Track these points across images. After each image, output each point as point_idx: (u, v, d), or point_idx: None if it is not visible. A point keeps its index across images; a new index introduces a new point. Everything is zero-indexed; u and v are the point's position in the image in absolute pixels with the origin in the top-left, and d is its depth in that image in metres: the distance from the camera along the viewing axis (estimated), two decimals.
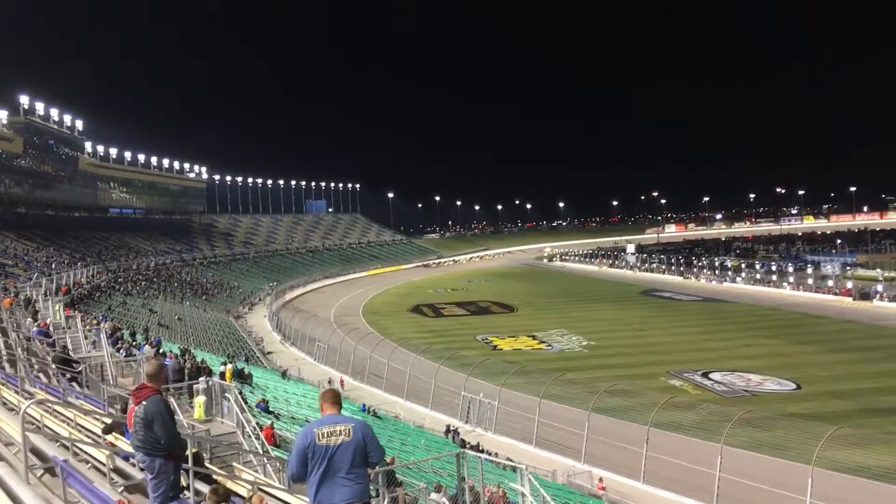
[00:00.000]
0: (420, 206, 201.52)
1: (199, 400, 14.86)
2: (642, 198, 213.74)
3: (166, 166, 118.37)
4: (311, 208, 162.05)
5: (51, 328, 21.49)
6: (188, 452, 6.51)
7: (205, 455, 9.30)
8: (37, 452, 6.49)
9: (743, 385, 36.87)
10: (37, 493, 5.43)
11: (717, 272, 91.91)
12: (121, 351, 21.85)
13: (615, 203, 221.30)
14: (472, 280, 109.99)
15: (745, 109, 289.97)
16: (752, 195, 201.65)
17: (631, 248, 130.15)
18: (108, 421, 8.57)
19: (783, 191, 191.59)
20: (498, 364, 40.18)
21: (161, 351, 24.19)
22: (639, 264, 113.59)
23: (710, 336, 51.72)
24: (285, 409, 23.81)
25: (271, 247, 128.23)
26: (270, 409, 21.39)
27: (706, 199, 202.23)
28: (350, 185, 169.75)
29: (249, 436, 14.10)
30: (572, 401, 28.95)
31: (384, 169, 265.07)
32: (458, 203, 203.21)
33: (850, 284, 70.53)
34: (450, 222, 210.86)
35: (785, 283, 78.28)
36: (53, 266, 53.37)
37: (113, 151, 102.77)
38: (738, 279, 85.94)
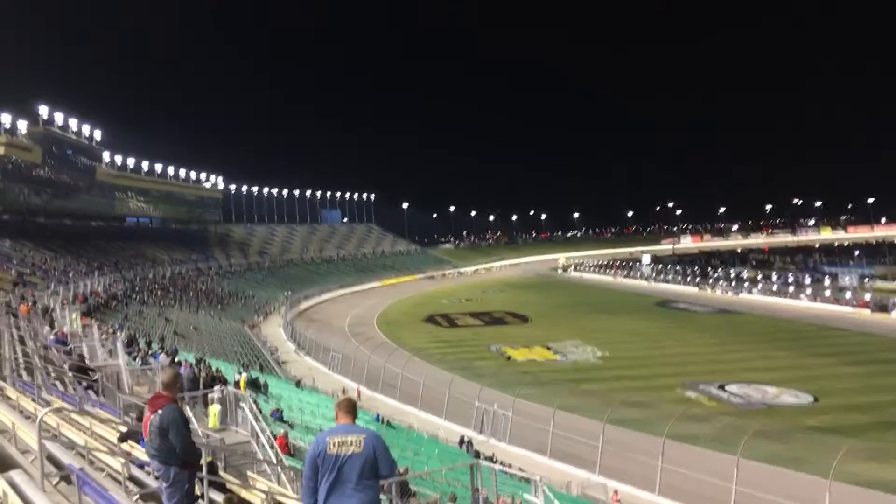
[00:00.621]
0: (435, 216, 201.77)
1: (214, 409, 14.90)
2: (658, 209, 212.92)
3: (183, 176, 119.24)
4: (326, 218, 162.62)
5: (68, 336, 21.63)
6: (203, 461, 6.53)
7: (219, 464, 9.32)
8: (53, 460, 6.54)
9: (759, 397, 36.57)
10: (52, 501, 5.46)
11: (733, 283, 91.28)
12: (136, 359, 21.96)
13: (630, 214, 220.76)
14: (487, 290, 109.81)
15: (761, 120, 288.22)
16: (769, 206, 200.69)
17: (646, 259, 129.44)
18: (124, 429, 8.61)
19: (800, 202, 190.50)
20: (512, 374, 40.11)
21: (176, 360, 24.30)
22: (654, 275, 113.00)
23: (726, 348, 51.34)
24: (299, 418, 23.87)
25: (286, 256, 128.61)
26: (285, 418, 21.45)
27: (722, 209, 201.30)
28: (365, 196, 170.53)
29: (263, 445, 14.13)
30: (587, 412, 28.82)
31: (399, 179, 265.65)
32: (473, 213, 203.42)
33: (868, 296, 69.88)
34: (465, 233, 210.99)
35: (802, 295, 77.64)
36: (71, 275, 53.79)
37: (130, 161, 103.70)
38: (755, 291, 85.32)
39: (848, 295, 73.51)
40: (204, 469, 6.52)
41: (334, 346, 49.63)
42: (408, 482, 13.92)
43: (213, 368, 25.08)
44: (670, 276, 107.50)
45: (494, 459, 23.62)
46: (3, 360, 14.78)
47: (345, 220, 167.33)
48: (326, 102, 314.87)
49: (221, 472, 8.23)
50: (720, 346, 52.05)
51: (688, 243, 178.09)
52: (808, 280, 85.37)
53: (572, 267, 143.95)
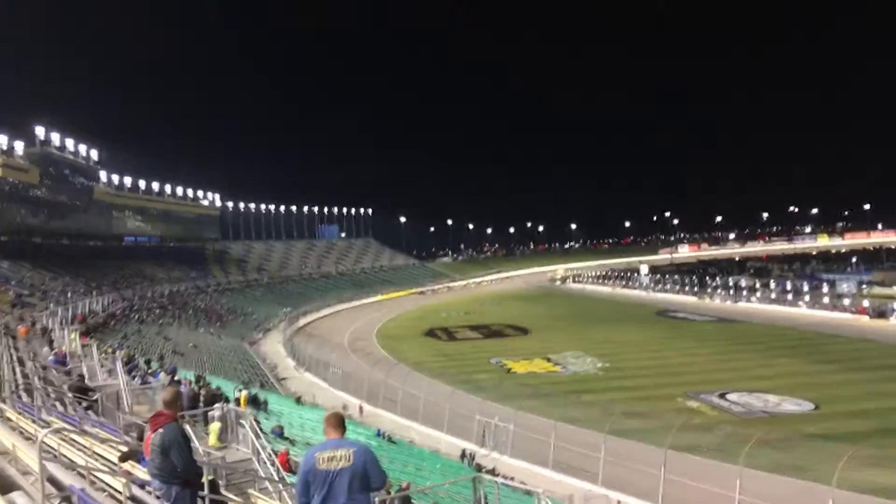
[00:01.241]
0: (432, 229, 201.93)
1: (214, 427, 14.87)
2: (654, 218, 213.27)
3: (180, 194, 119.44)
4: (323, 234, 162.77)
5: (67, 357, 21.61)
6: (204, 479, 6.52)
7: (220, 482, 9.30)
8: (53, 481, 6.52)
9: (761, 406, 36.51)
10: None
11: (731, 292, 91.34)
12: (136, 379, 21.93)
13: (627, 224, 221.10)
14: (486, 303, 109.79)
15: (755, 128, 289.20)
16: (765, 214, 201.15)
17: (644, 269, 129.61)
18: (125, 449, 8.60)
19: (796, 209, 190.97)
20: (513, 387, 40.03)
21: (176, 378, 24.25)
22: (652, 285, 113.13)
23: (726, 356, 51.29)
24: (300, 434, 23.77)
25: (284, 273, 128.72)
26: (286, 435, 21.36)
27: (719, 218, 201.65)
28: (363, 210, 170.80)
29: (265, 462, 14.09)
30: (588, 423, 28.75)
31: (396, 193, 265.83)
32: (470, 226, 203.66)
33: (866, 303, 69.93)
34: (462, 245, 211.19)
35: (800, 302, 77.71)
36: (69, 295, 53.72)
37: (128, 180, 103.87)
38: (753, 299, 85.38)
39: (846, 302, 73.57)
40: (205, 487, 6.51)
41: (334, 361, 49.52)
42: (410, 497, 13.87)
43: (213, 386, 25.02)
44: (669, 286, 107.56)
45: (496, 473, 23.53)
46: (2, 381, 14.77)
47: (342, 234, 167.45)
48: (320, 118, 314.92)
49: (223, 491, 8.22)
50: (720, 355, 52.00)
51: (685, 252, 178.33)
52: (806, 287, 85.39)
53: (571, 278, 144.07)
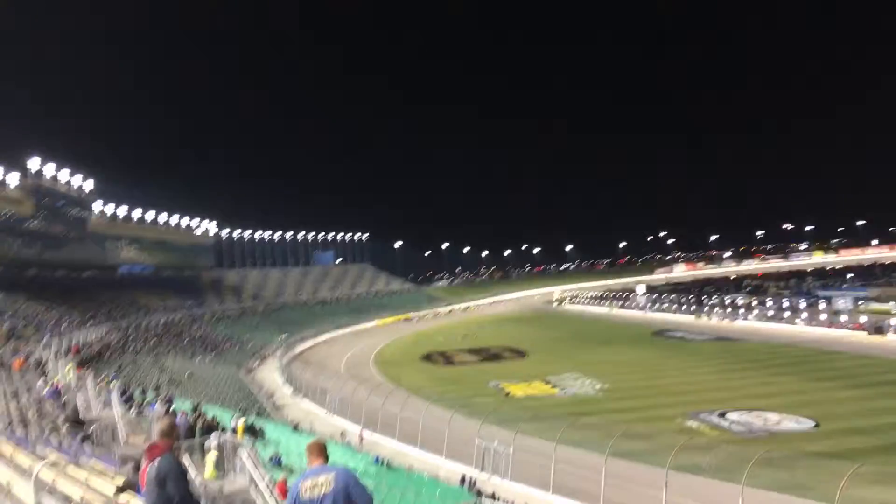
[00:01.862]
0: (427, 253, 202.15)
1: (211, 457, 14.74)
2: (649, 238, 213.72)
3: (175, 223, 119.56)
4: (319, 260, 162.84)
5: (62, 389, 21.47)
6: None
7: None
8: None
9: (761, 424, 36.40)
10: None
11: (728, 310, 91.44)
12: (132, 410, 21.77)
13: (623, 244, 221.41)
14: (482, 326, 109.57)
15: (751, 147, 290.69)
16: (760, 232, 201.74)
17: (641, 289, 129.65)
18: (121, 481, 8.50)
19: (791, 227, 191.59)
20: (511, 410, 39.86)
21: (172, 408, 24.09)
22: (649, 305, 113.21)
23: (724, 375, 51.23)
24: (298, 462, 23.58)
25: (280, 300, 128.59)
26: (283, 463, 21.23)
27: (714, 237, 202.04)
28: (358, 236, 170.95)
29: (262, 492, 13.94)
30: (589, 445, 28.59)
31: (392, 219, 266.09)
32: (466, 250, 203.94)
33: (863, 319, 70.01)
34: (458, 269, 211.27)
35: (798, 320, 77.83)
36: (64, 326, 53.50)
37: (122, 210, 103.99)
38: (750, 317, 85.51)
39: (843, 318, 73.63)
40: None
41: (331, 388, 49.27)
42: None
43: (210, 415, 24.85)
44: (666, 306, 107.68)
45: (496, 497, 23.38)
46: None
47: (338, 260, 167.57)
48: (316, 145, 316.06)
49: None
50: (719, 374, 51.95)
51: (681, 272, 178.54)
52: (803, 304, 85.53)
53: (567, 300, 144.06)
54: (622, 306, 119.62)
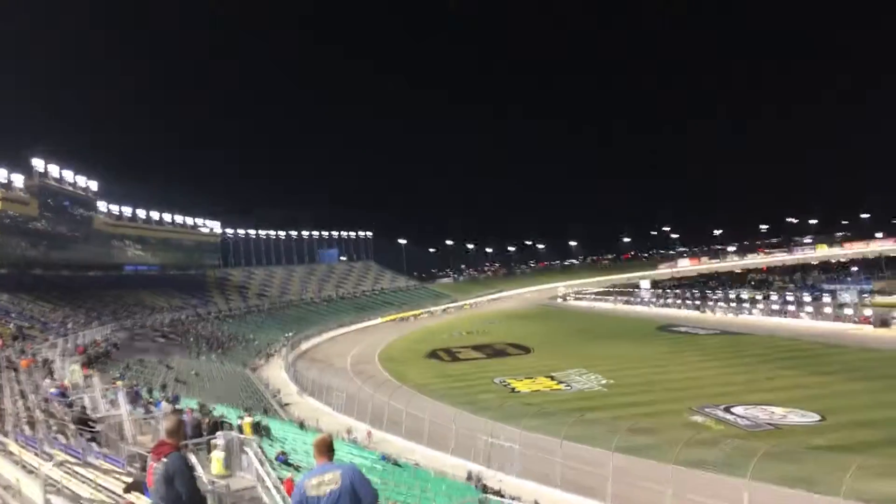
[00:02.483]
0: (432, 250, 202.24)
1: (218, 455, 14.78)
2: (654, 233, 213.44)
3: (180, 222, 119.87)
4: (323, 258, 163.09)
5: (69, 388, 21.55)
6: None
7: None
8: None
9: (766, 418, 36.33)
10: None
11: (733, 305, 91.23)
12: (139, 408, 21.85)
13: (627, 239, 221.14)
14: (487, 322, 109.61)
15: (751, 143, 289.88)
16: (764, 226, 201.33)
17: (645, 284, 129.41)
18: (129, 480, 8.55)
19: (795, 220, 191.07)
20: (517, 406, 39.83)
21: (179, 407, 24.16)
22: (654, 300, 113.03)
23: (730, 370, 51.10)
24: (305, 460, 23.62)
25: (285, 298, 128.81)
26: (290, 461, 21.25)
27: (718, 231, 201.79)
28: (362, 233, 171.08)
29: (269, 489, 14.00)
30: (594, 441, 28.58)
31: (396, 215, 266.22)
32: (471, 246, 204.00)
33: (868, 312, 69.77)
34: (462, 266, 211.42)
35: (802, 314, 77.58)
36: (70, 326, 53.68)
37: (127, 210, 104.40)
38: (755, 311, 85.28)
39: (848, 311, 73.38)
40: None
41: (337, 385, 49.34)
42: None
43: (216, 414, 24.91)
44: (670, 301, 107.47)
45: (503, 493, 23.40)
46: (4, 414, 14.71)
47: (342, 258, 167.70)
48: (318, 143, 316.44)
49: None
50: (724, 369, 51.83)
51: (686, 266, 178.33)
52: (807, 298, 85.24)
53: (572, 295, 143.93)
54: (626, 301, 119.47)
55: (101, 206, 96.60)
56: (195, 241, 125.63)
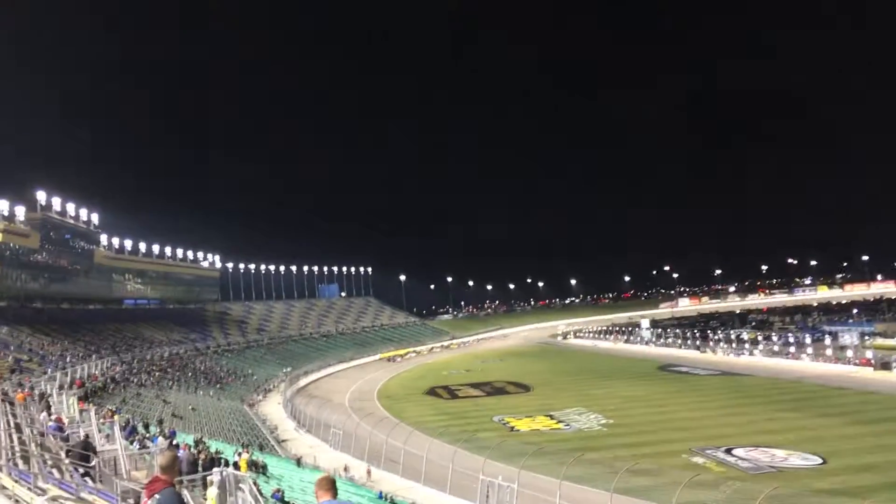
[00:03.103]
0: (432, 287, 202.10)
1: (212, 493, 14.64)
2: (654, 272, 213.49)
3: (180, 256, 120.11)
4: (323, 293, 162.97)
5: (65, 422, 21.42)
6: None
7: None
8: None
9: (768, 461, 36.03)
10: None
11: (733, 345, 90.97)
12: (134, 443, 21.69)
13: (627, 279, 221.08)
14: (487, 360, 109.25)
15: (752, 179, 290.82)
16: (765, 267, 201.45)
17: (646, 324, 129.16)
18: None
19: (795, 261, 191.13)
20: (515, 445, 39.51)
21: (175, 442, 23.99)
22: (654, 339, 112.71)
23: (730, 411, 50.79)
24: (301, 498, 23.40)
25: (285, 333, 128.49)
26: (286, 498, 21.04)
27: (719, 271, 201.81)
28: (362, 269, 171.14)
29: None
30: (594, 481, 28.34)
31: (396, 252, 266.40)
32: (471, 283, 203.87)
33: (869, 354, 69.51)
34: (462, 303, 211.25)
35: (803, 355, 77.22)
36: (68, 359, 53.46)
37: (128, 243, 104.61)
38: (756, 352, 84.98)
39: (849, 353, 73.10)
40: None
41: (335, 422, 49.00)
42: None
43: (213, 449, 24.73)
44: (670, 340, 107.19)
45: None
46: None
47: (342, 293, 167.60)
48: (320, 178, 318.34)
49: None
50: (725, 410, 51.51)
51: (686, 306, 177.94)
52: (808, 339, 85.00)
53: (572, 334, 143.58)
54: (627, 341, 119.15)
55: (103, 239, 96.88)
56: (195, 276, 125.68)
